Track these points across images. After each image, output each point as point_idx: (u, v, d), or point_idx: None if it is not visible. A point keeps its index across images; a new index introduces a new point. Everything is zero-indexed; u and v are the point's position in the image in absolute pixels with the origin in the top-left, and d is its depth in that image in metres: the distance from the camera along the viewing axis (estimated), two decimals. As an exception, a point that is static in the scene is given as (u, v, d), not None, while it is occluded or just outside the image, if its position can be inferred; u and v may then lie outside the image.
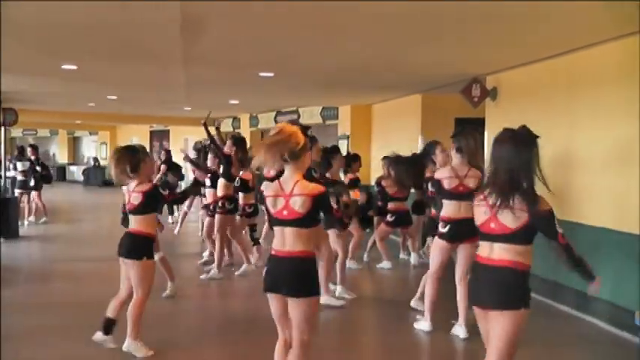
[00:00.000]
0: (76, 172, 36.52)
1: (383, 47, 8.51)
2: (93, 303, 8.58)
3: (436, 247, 6.93)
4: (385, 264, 10.94)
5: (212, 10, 6.42)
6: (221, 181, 9.95)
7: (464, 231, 6.46)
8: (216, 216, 9.98)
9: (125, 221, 6.53)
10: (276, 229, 4.51)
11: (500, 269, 4.04)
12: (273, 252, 4.52)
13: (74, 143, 39.30)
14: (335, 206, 4.62)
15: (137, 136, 33.19)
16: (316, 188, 4.46)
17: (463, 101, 10.50)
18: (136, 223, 6.14)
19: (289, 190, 4.42)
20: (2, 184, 15.12)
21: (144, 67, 10.62)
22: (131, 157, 6.06)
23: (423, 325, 7.15)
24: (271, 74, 11.10)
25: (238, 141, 10.47)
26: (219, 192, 9.93)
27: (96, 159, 34.80)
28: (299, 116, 19.57)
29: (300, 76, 11.73)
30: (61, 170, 37.14)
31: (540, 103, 9.04)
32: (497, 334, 4.03)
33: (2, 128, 16.97)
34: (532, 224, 4.00)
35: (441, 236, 6.78)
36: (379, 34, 7.68)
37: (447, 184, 6.75)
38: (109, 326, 6.24)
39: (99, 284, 9.98)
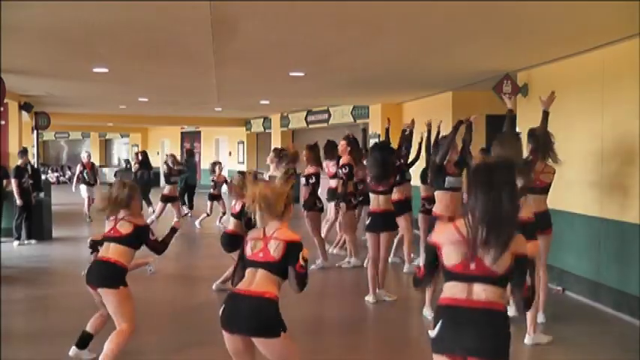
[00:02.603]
0: (108, 174, 36.79)
1: (416, 45, 8.49)
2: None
3: None
4: None
5: (243, 10, 6.42)
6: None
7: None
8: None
9: (94, 247, 6.28)
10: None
11: (486, 312, 3.46)
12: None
13: (106, 145, 39.66)
14: (301, 262, 4.47)
15: (168, 137, 33.40)
16: (292, 236, 4.50)
17: (494, 98, 10.42)
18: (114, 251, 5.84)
19: (269, 234, 4.51)
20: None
21: (175, 68, 10.67)
22: (130, 189, 6.01)
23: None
24: (302, 73, 11.10)
25: (353, 141, 10.79)
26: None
27: (127, 161, 34.98)
28: (330, 115, 19.55)
29: (331, 75, 11.71)
30: (93, 172, 37.45)
31: (572, 99, 8.94)
32: None
33: (35, 131, 17.18)
34: (514, 266, 3.46)
35: None
36: (413, 33, 7.66)
37: None
38: (85, 340, 6.07)
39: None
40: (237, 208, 8.14)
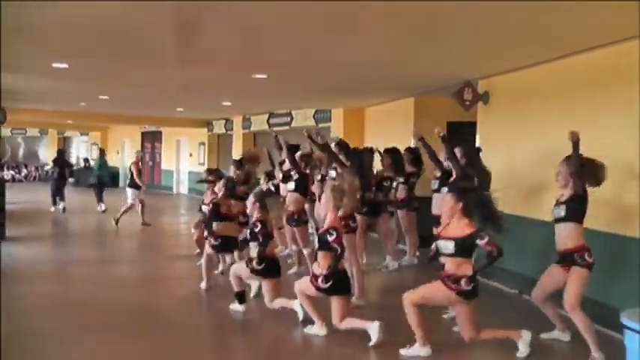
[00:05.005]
0: (66, 172, 36.18)
1: (377, 51, 8.51)
2: (82, 305, 8.58)
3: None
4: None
5: (206, 10, 6.37)
6: None
7: None
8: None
9: None
10: None
11: None
12: None
13: (64, 143, 39.08)
14: None
15: (128, 137, 33.08)
16: None
17: (455, 105, 10.51)
18: None
19: None
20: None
21: (136, 66, 10.56)
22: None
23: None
24: (264, 76, 11.06)
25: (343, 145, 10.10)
26: None
27: (86, 160, 34.52)
28: (292, 118, 19.52)
29: (293, 79, 11.70)
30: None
31: (531, 108, 9.08)
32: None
33: (-10, 127, 16.87)
34: None
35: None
36: (373, 39, 7.68)
37: None
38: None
39: (87, 286, 9.96)
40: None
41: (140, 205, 16.73)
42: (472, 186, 7.23)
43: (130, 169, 17.23)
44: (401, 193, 11.04)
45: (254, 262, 7.69)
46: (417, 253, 11.36)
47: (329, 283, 6.94)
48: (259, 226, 7.72)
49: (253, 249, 7.79)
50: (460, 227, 6.25)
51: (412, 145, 11.98)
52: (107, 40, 8.23)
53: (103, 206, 19.95)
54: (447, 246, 6.24)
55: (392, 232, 11.30)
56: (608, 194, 7.24)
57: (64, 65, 10.38)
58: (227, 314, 8.11)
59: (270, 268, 7.74)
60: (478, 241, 6.12)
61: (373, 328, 6.72)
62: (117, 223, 16.34)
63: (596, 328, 6.63)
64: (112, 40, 8.16)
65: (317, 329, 7.13)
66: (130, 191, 16.88)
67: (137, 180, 16.77)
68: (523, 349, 6.46)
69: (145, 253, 13.45)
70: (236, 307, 8.11)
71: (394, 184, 11.02)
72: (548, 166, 8.26)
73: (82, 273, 11.00)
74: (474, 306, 6.39)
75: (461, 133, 8.56)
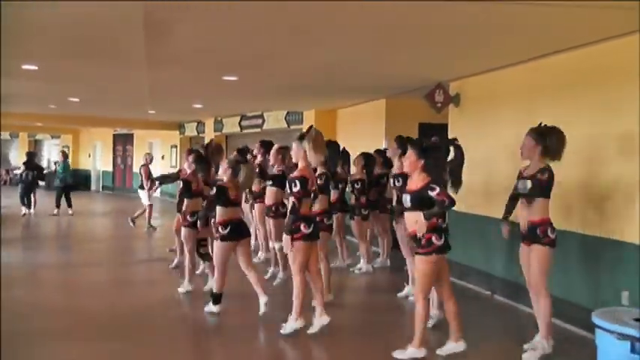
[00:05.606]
0: (35, 175, 35.69)
1: (348, 53, 8.49)
2: (54, 309, 8.49)
3: None
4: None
5: (175, 10, 6.33)
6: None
7: None
8: None
9: None
10: None
11: None
12: None
13: (35, 147, 38.65)
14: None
15: (100, 139, 32.80)
16: None
17: (427, 106, 10.54)
18: None
19: None
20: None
21: (106, 68, 10.45)
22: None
23: None
24: (235, 78, 11.02)
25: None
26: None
27: (57, 163, 34.12)
28: (264, 121, 19.49)
29: (264, 80, 11.66)
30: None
31: (502, 110, 9.13)
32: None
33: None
34: None
35: None
36: (344, 40, 7.67)
37: None
38: None
39: (58, 289, 9.87)
40: None
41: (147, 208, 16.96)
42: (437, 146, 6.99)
43: (140, 172, 17.46)
44: (372, 195, 11.02)
45: (219, 229, 7.78)
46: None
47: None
48: (214, 190, 7.76)
49: (219, 213, 7.86)
50: (419, 181, 6.25)
51: (383, 146, 12.04)
52: (77, 41, 8.14)
53: (56, 211, 20.12)
54: (406, 199, 6.29)
55: (365, 234, 11.28)
56: (583, 195, 7.32)
57: (34, 67, 10.27)
58: (202, 316, 8.07)
59: (236, 230, 7.82)
60: (430, 192, 6.06)
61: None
62: (134, 223, 16.80)
63: (568, 328, 6.67)
64: (82, 40, 8.07)
65: (292, 324, 7.12)
66: (142, 193, 17.14)
67: (145, 183, 16.94)
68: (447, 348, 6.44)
69: (118, 257, 13.30)
70: (211, 308, 8.06)
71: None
72: (517, 168, 8.33)
73: (53, 277, 10.90)
74: (446, 263, 6.39)
75: (432, 135, 8.53)
